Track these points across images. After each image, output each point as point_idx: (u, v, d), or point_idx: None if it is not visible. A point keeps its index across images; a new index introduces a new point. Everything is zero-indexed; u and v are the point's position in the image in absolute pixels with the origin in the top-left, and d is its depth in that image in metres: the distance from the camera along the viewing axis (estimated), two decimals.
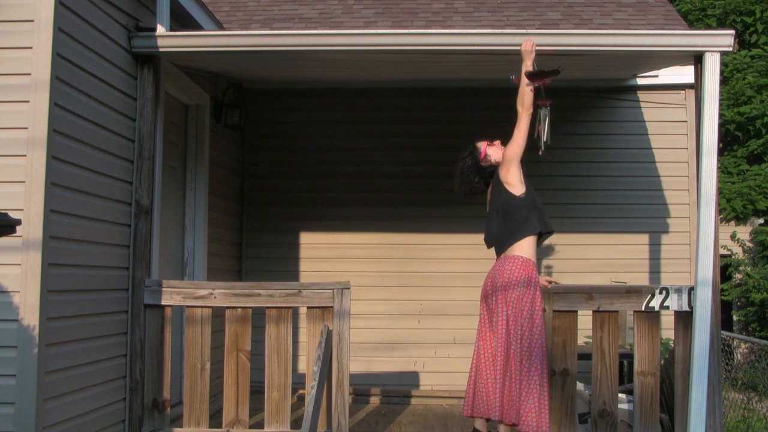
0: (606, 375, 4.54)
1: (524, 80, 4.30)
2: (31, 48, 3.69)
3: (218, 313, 4.80)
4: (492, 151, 4.48)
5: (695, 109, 4.64)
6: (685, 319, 4.52)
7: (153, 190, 4.71)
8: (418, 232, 7.03)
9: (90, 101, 4.09)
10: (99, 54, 4.18)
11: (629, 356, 5.50)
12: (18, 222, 3.21)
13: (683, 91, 6.90)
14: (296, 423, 4.58)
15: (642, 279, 6.77)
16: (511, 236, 4.28)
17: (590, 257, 6.83)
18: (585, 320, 4.72)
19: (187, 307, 4.63)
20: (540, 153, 4.34)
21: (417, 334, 6.91)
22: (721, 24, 15.19)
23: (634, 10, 7.16)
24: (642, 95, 7.04)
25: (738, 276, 12.57)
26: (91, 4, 4.10)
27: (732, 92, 13.99)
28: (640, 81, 6.94)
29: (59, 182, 3.78)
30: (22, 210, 3.61)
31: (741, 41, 15.11)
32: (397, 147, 7.11)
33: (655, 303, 4.53)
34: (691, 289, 4.49)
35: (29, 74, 3.67)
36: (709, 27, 15.10)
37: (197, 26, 5.43)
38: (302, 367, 6.60)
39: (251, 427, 4.67)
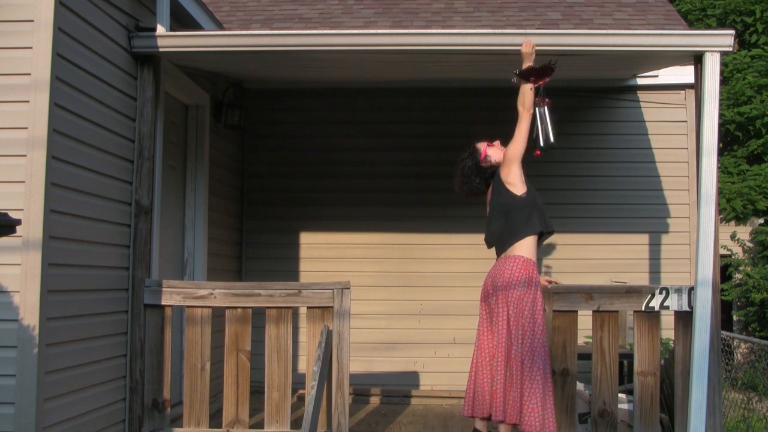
0: (606, 375, 4.54)
1: (523, 80, 4.30)
2: (31, 48, 3.69)
3: (218, 313, 4.80)
4: (492, 152, 4.48)
5: (695, 109, 4.64)
6: (685, 319, 4.52)
7: (153, 190, 4.71)
8: (418, 232, 7.03)
9: (90, 101, 4.09)
10: (99, 54, 4.18)
11: (629, 356, 5.50)
12: (18, 222, 3.21)
13: (683, 91, 6.90)
14: (296, 423, 4.58)
15: (642, 279, 6.77)
16: (511, 236, 4.28)
17: (590, 257, 6.83)
18: (585, 320, 4.72)
19: (187, 307, 4.63)
20: (536, 154, 4.34)
21: (417, 334, 6.91)
22: (721, 24, 15.19)
23: (634, 10, 7.16)
24: (642, 95, 7.04)
25: (738, 276, 12.57)
26: (91, 4, 4.10)
27: (732, 92, 13.99)
28: (640, 81, 6.94)
29: (59, 182, 3.78)
30: (22, 210, 3.61)
31: (741, 41, 15.11)
32: (397, 147, 7.11)
33: (655, 303, 4.53)
34: (691, 289, 4.49)
35: (29, 74, 3.67)
36: (709, 27, 15.11)
37: (197, 26, 5.43)
38: (302, 367, 6.60)
39: (251, 427, 4.67)
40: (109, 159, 4.33)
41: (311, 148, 7.16)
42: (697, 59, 4.56)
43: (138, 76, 4.67)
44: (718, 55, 4.47)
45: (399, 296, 6.97)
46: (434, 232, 7.01)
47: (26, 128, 3.66)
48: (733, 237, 12.74)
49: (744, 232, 13.02)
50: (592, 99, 7.04)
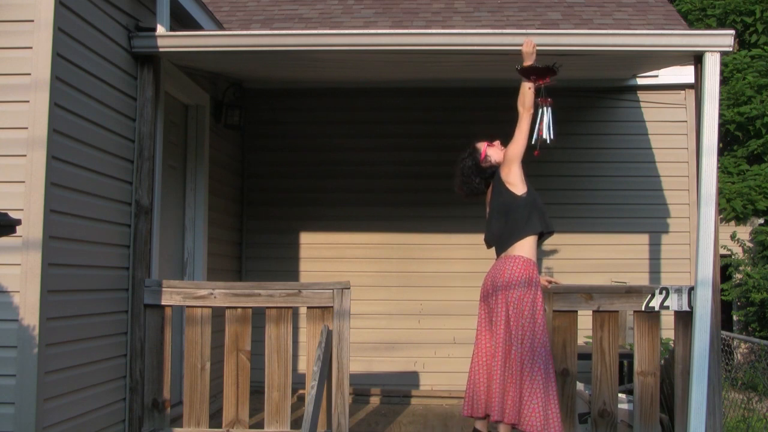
0: (606, 375, 4.54)
1: (524, 80, 4.30)
2: (31, 48, 3.69)
3: (218, 313, 4.80)
4: (492, 152, 4.47)
5: (695, 109, 4.64)
6: (685, 319, 4.52)
7: (153, 190, 4.71)
8: (418, 232, 7.03)
9: (90, 101, 4.09)
10: (99, 54, 4.18)
11: (629, 356, 5.50)
12: (18, 222, 3.21)
13: (683, 91, 6.90)
14: (296, 423, 4.58)
15: (642, 279, 6.77)
16: (511, 236, 4.28)
17: (590, 257, 6.83)
18: (585, 320, 4.72)
19: (187, 307, 4.63)
20: (536, 154, 4.33)
21: (417, 334, 6.91)
22: (721, 24, 15.19)
23: (634, 10, 7.16)
24: (642, 95, 7.04)
25: (738, 276, 12.58)
26: (91, 4, 4.10)
27: (732, 92, 13.99)
28: (640, 81, 6.94)
29: (59, 182, 3.78)
30: (22, 210, 3.61)
31: (741, 41, 15.12)
32: (397, 147, 7.11)
33: (655, 303, 4.53)
34: (691, 289, 4.49)
35: (29, 74, 3.67)
36: (709, 27, 15.11)
37: (197, 26, 5.43)
38: (302, 367, 6.60)
39: (251, 427, 4.67)
40: (109, 159, 4.33)
41: (311, 148, 7.16)
42: (697, 59, 4.56)
43: (138, 76, 4.67)
44: (718, 55, 4.47)
45: (399, 296, 6.97)
46: (434, 232, 7.01)
47: (26, 128, 3.66)
48: (733, 237, 12.75)
49: (744, 232, 13.02)
50: (592, 99, 7.04)
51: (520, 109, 4.27)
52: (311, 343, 4.54)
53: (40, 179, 3.64)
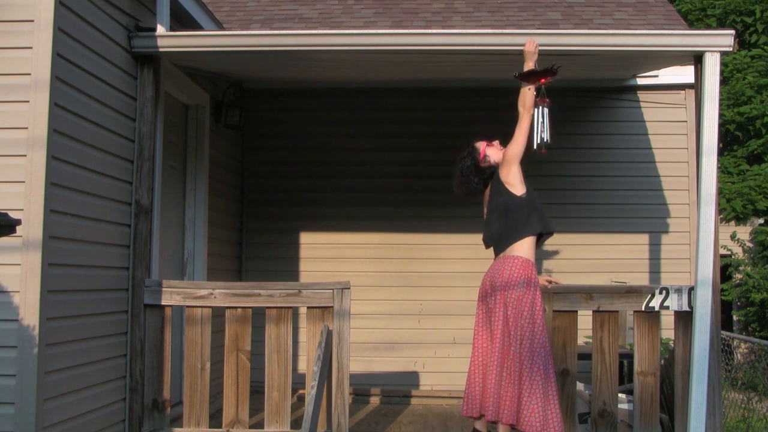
0: (606, 375, 4.54)
1: (524, 81, 4.29)
2: (31, 48, 3.69)
3: (218, 313, 4.80)
4: (491, 152, 4.46)
5: (695, 109, 4.64)
6: (685, 319, 4.52)
7: (153, 190, 4.71)
8: (418, 232, 7.03)
9: (90, 101, 4.09)
10: (99, 54, 4.18)
11: (629, 356, 5.50)
12: (18, 222, 3.21)
13: (683, 91, 6.90)
14: (296, 423, 4.58)
15: (642, 279, 6.77)
16: (510, 236, 4.28)
17: (590, 257, 6.83)
18: (585, 320, 4.72)
19: (187, 307, 4.63)
20: (543, 152, 4.32)
21: (417, 334, 6.91)
22: (721, 24, 15.19)
23: (634, 10, 7.16)
24: (642, 95, 7.04)
25: (738, 276, 12.58)
26: (91, 4, 4.10)
27: (732, 92, 13.99)
28: (640, 81, 6.93)
29: (59, 182, 3.78)
30: (22, 210, 3.61)
31: (741, 41, 15.12)
32: (397, 147, 7.11)
33: (655, 303, 4.53)
34: (691, 289, 4.49)
35: (29, 74, 3.67)
36: (709, 27, 15.11)
37: (197, 26, 5.43)
38: (302, 367, 6.60)
39: (251, 427, 4.67)
40: (109, 159, 4.33)
41: (311, 148, 7.16)
42: (697, 59, 4.56)
43: (138, 76, 4.67)
44: (718, 55, 4.47)
45: (399, 296, 6.97)
46: (434, 232, 7.01)
47: (26, 128, 3.66)
48: (733, 237, 12.75)
49: (744, 232, 13.02)
50: (592, 99, 7.04)
51: (521, 109, 4.27)
52: (311, 343, 4.54)
53: (40, 179, 3.64)
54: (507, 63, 4.80)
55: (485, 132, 4.69)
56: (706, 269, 4.42)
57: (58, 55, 3.75)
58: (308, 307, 4.59)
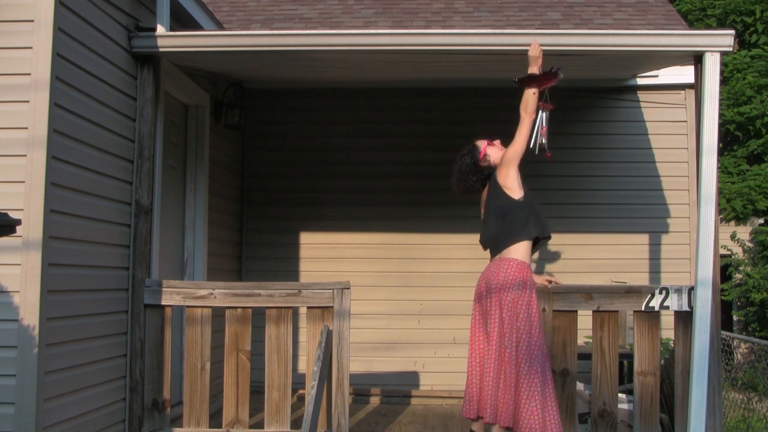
0: (606, 375, 4.54)
1: (524, 86, 4.27)
2: (31, 48, 3.69)
3: (218, 313, 4.80)
4: (492, 151, 4.45)
5: (695, 109, 4.64)
6: (685, 319, 4.52)
7: (153, 190, 4.71)
8: (418, 232, 7.03)
9: (90, 101, 4.09)
10: (99, 54, 4.18)
11: (629, 356, 5.50)
12: (18, 222, 3.21)
13: (683, 91, 6.90)
14: (296, 423, 4.58)
15: (642, 279, 6.77)
16: (507, 239, 4.26)
17: (590, 257, 6.83)
18: (585, 320, 4.72)
19: (187, 307, 4.63)
20: (547, 155, 4.31)
21: (417, 334, 6.91)
22: (721, 24, 15.19)
23: (634, 10, 7.16)
24: (642, 95, 7.04)
25: (738, 276, 12.58)
26: (91, 4, 4.10)
27: (732, 92, 13.99)
28: (640, 81, 6.93)
29: (59, 182, 3.78)
30: (22, 210, 3.61)
31: (741, 41, 15.12)
32: (397, 147, 7.11)
33: (655, 303, 4.53)
34: (691, 289, 4.49)
35: (29, 74, 3.67)
36: (709, 27, 15.11)
37: (197, 26, 5.43)
38: (302, 367, 6.60)
39: (251, 427, 4.67)
40: (109, 159, 4.33)
41: (311, 148, 7.16)
42: (697, 59, 4.56)
43: (138, 76, 4.67)
44: (718, 55, 4.47)
45: (399, 296, 6.97)
46: (434, 232, 7.01)
47: (26, 128, 3.66)
48: (733, 237, 12.75)
49: (744, 232, 13.03)
50: (592, 99, 7.04)
51: (522, 113, 4.24)
52: (311, 343, 4.54)
53: (40, 179, 3.64)
54: (507, 63, 4.81)
55: (485, 132, 4.69)
56: (706, 269, 4.42)
57: (58, 55, 3.75)
58: (308, 307, 4.59)
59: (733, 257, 12.64)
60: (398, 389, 6.77)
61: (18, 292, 3.61)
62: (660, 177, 6.94)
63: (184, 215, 5.94)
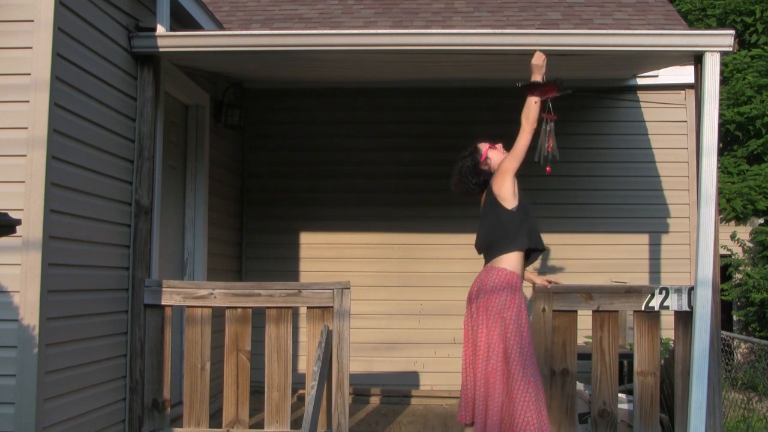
0: (606, 375, 4.54)
1: (528, 93, 4.24)
2: (31, 48, 3.69)
3: (218, 313, 4.80)
4: (493, 154, 4.39)
5: (695, 109, 4.64)
6: (685, 319, 4.52)
7: (153, 190, 4.71)
8: (418, 232, 7.03)
9: (90, 101, 4.09)
10: (99, 54, 4.18)
11: (629, 356, 5.50)
12: (18, 222, 3.21)
13: (683, 91, 6.90)
14: (296, 423, 4.58)
15: (642, 279, 6.77)
16: (498, 248, 4.22)
17: (590, 257, 6.83)
18: (585, 320, 4.72)
19: (187, 307, 4.63)
20: (547, 170, 4.30)
21: (417, 334, 6.91)
22: (721, 24, 15.20)
23: (634, 10, 7.16)
24: (642, 95, 7.04)
25: (738, 276, 12.58)
26: (91, 4, 4.10)
27: (732, 92, 13.99)
28: (640, 81, 6.93)
29: (59, 182, 3.78)
30: (22, 210, 3.61)
31: (741, 41, 15.12)
32: (397, 147, 7.11)
33: (655, 303, 4.53)
34: (691, 289, 4.49)
35: (29, 74, 3.67)
36: (709, 27, 15.11)
37: (197, 26, 5.43)
38: (302, 367, 6.60)
39: (251, 427, 4.67)
40: (109, 159, 4.33)
41: (311, 148, 7.16)
42: (697, 59, 4.56)
43: (138, 76, 4.67)
44: (718, 55, 4.47)
45: (399, 296, 6.97)
46: (434, 232, 7.01)
47: (26, 128, 3.66)
48: (733, 237, 12.75)
49: (744, 232, 13.03)
50: (592, 99, 7.04)
51: (524, 122, 4.18)
52: (311, 343, 4.54)
53: (40, 179, 3.64)
54: (507, 63, 4.81)
55: (485, 132, 4.69)
56: (706, 269, 4.42)
57: (58, 55, 3.75)
58: (308, 307, 4.59)
59: (733, 257, 12.64)
60: (398, 389, 6.77)
61: (18, 292, 3.61)
62: (660, 177, 6.94)
63: (184, 215, 5.94)
